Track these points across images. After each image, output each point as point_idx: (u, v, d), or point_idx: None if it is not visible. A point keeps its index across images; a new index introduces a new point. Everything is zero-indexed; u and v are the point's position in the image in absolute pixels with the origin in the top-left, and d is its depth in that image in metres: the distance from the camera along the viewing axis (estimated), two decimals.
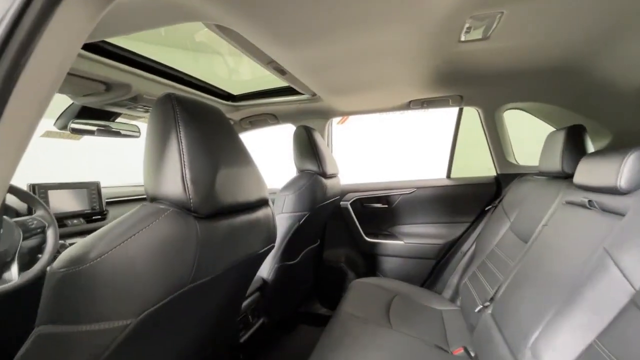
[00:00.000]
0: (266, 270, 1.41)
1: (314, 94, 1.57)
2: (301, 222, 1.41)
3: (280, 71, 1.21)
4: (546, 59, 1.22)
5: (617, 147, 1.40)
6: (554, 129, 1.74)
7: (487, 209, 1.73)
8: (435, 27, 0.95)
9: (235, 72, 1.89)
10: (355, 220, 2.00)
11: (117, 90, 1.19)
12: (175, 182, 0.59)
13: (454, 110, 1.83)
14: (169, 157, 0.60)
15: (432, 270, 1.90)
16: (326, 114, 1.89)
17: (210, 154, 0.65)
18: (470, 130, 1.86)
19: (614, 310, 0.70)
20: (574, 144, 1.18)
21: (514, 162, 1.73)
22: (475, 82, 1.45)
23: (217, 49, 1.95)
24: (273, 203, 1.45)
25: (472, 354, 1.15)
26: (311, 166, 1.49)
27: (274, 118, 1.90)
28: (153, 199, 0.62)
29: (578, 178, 1.01)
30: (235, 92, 1.77)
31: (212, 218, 0.64)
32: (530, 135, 1.83)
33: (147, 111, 1.43)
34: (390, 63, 1.20)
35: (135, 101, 1.28)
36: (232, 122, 1.91)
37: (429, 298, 1.64)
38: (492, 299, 1.19)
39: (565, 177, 1.21)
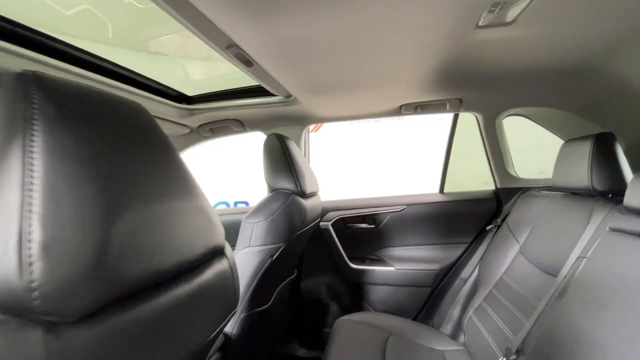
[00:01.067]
0: (229, 323, 1.08)
1: (288, 95, 1.29)
2: (275, 256, 1.10)
3: (246, 62, 0.91)
4: (563, 57, 1.03)
5: (635, 157, 1.24)
6: (556, 137, 1.61)
7: (488, 228, 1.52)
8: (455, 4, 0.71)
9: (190, 68, 1.56)
10: (338, 243, 1.72)
11: None
12: (2, 248, 0.27)
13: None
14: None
15: (427, 300, 1.65)
16: (303, 120, 1.60)
17: (106, 183, 0.33)
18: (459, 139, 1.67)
19: None
20: (606, 156, 0.99)
21: (514, 174, 1.54)
22: (478, 84, 1.24)
23: (167, 43, 1.62)
24: (237, 233, 1.14)
25: None
26: (287, 184, 1.19)
27: (239, 125, 1.58)
28: None
29: (631, 200, 0.80)
30: (190, 93, 1.44)
31: (98, 318, 0.32)
32: (526, 144, 1.67)
33: None
34: (387, 57, 0.95)
35: None
36: (187, 130, 1.57)
37: (427, 336, 1.38)
38: (518, 351, 0.95)
39: (595, 195, 1.02)
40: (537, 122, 1.52)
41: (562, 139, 1.51)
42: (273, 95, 1.33)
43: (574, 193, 1.12)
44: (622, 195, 0.97)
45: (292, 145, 1.27)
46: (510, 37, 0.90)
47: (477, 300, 1.36)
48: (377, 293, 1.71)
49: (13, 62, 0.75)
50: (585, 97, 1.24)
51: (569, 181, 1.11)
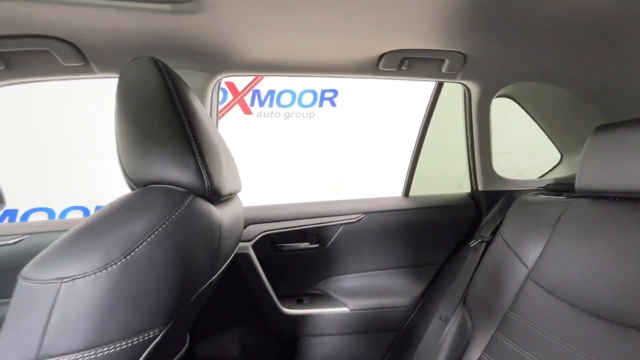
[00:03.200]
0: None
1: None
2: None
3: None
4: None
5: None
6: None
7: (472, 244, 1.13)
8: None
9: None
10: (262, 276, 1.07)
11: None
12: None
13: None
14: None
15: (389, 349, 1.16)
16: (214, 62, 0.88)
17: None
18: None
19: None
20: None
21: (498, 174, 1.20)
22: (494, 34, 0.83)
23: None
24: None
25: None
26: (177, 172, 0.49)
27: (71, 52, 0.77)
28: None
29: None
30: None
31: None
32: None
33: None
34: None
35: None
36: None
37: None
38: None
39: None
40: (523, 107, 1.22)
41: (547, 132, 1.25)
42: None
43: (625, 198, 0.79)
44: None
45: (190, 93, 0.59)
46: None
47: (475, 351, 0.93)
48: (322, 346, 1.13)
49: None
50: (607, 73, 0.95)
51: (620, 182, 0.77)
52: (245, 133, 3.61)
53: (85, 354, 0.34)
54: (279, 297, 1.10)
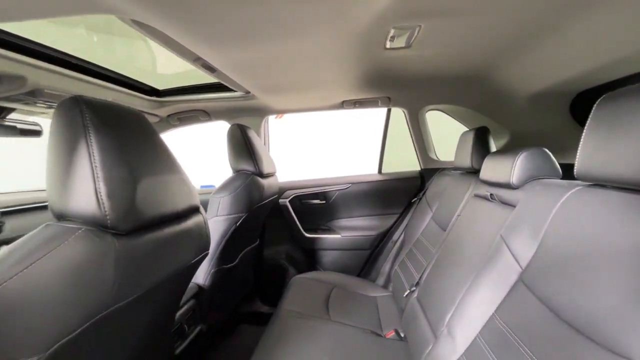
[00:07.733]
0: (202, 275, 1.36)
1: (247, 92, 1.53)
2: (238, 224, 1.38)
3: (209, 68, 1.15)
4: (460, 67, 1.37)
5: (514, 145, 1.65)
6: (467, 129, 2.01)
7: (412, 201, 1.91)
8: (362, 35, 0.99)
9: (160, 65, 1.75)
10: (295, 217, 2.03)
11: (8, 83, 1.01)
12: (87, 197, 0.53)
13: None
14: (78, 170, 0.54)
15: (367, 260, 2.03)
16: (261, 112, 1.86)
17: (129, 164, 0.60)
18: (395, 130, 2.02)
19: (507, 286, 0.84)
20: (481, 143, 1.36)
21: (434, 157, 1.93)
22: (401, 85, 1.57)
23: (138, 36, 1.78)
24: (207, 207, 1.40)
25: (402, 335, 1.27)
26: (247, 166, 1.46)
27: (205, 115, 1.80)
28: (60, 217, 0.55)
29: (483, 174, 1.17)
30: (160, 87, 1.63)
31: (134, 234, 0.59)
32: (448, 133, 2.05)
33: (50, 107, 1.24)
34: (322, 65, 1.23)
35: (33, 95, 1.09)
36: (157, 119, 1.77)
37: (364, 286, 1.75)
38: (417, 283, 1.33)
39: (474, 172, 1.40)
40: (451, 116, 1.90)
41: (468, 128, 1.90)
42: (234, 91, 1.57)
43: (466, 171, 1.50)
44: None
45: (252, 134, 1.54)
46: (414, 55, 1.22)
47: (401, 257, 1.74)
48: (327, 257, 2.05)
49: (14, 66, 0.94)
50: (480, 97, 1.61)
51: (462, 162, 1.48)
52: (302, 122, 4.54)
53: (227, 216, 1.35)
54: (304, 229, 2.05)
